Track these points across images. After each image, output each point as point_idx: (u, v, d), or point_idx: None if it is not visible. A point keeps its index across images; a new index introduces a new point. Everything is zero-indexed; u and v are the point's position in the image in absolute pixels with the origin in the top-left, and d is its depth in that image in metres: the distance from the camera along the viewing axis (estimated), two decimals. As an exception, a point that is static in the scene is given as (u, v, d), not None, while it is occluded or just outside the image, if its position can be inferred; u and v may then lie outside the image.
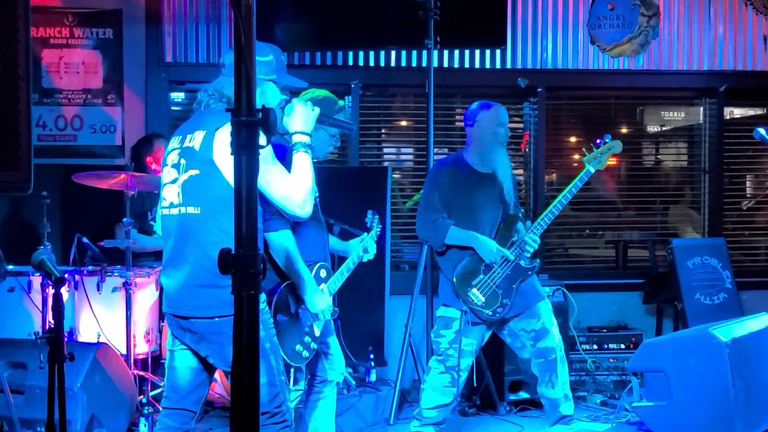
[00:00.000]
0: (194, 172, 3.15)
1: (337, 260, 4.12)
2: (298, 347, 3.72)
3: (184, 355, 3.28)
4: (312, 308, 3.71)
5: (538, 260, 4.61)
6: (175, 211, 3.22)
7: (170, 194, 3.24)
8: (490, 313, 4.44)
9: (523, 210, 4.74)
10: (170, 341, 3.33)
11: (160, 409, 3.42)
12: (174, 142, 3.31)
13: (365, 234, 4.22)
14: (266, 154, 3.12)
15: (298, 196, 3.15)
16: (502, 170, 4.56)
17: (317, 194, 3.98)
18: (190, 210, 3.16)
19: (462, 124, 4.88)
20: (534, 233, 4.49)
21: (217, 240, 3.10)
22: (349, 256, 4.07)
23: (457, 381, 4.46)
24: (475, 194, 4.53)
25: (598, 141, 4.60)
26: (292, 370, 3.85)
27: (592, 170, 4.59)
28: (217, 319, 3.11)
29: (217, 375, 4.19)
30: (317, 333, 3.82)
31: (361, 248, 4.09)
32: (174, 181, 3.23)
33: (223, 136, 3.07)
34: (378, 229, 4.28)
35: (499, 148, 4.57)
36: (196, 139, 3.16)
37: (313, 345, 3.80)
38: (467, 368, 4.54)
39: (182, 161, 3.20)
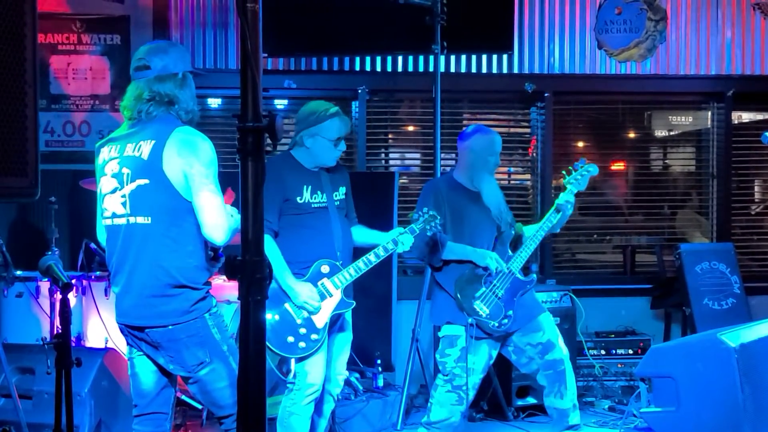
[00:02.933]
0: (143, 181, 3.11)
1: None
2: (290, 339, 3.83)
3: (143, 360, 3.28)
4: (294, 300, 3.83)
5: (534, 275, 4.57)
6: (121, 221, 3.17)
7: (113, 204, 3.19)
8: (497, 325, 4.37)
9: (516, 227, 4.67)
10: (128, 350, 3.34)
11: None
12: (111, 151, 3.22)
13: (401, 227, 4.14)
14: (214, 171, 3.10)
15: (224, 232, 3.09)
16: (487, 197, 4.49)
17: (342, 196, 4.04)
18: (140, 220, 3.13)
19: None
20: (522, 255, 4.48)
21: (169, 250, 3.10)
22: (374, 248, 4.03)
23: (464, 400, 4.40)
24: (470, 211, 4.47)
25: (575, 164, 4.55)
26: (293, 361, 3.90)
27: (573, 190, 4.49)
28: (171, 327, 3.12)
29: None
30: (319, 324, 3.87)
31: (390, 240, 4.01)
32: (115, 191, 3.17)
33: (173, 146, 3.06)
34: (421, 226, 4.14)
35: (488, 176, 4.49)
36: (143, 149, 3.11)
37: (316, 336, 3.86)
38: (475, 386, 4.44)
39: (125, 170, 3.15)
